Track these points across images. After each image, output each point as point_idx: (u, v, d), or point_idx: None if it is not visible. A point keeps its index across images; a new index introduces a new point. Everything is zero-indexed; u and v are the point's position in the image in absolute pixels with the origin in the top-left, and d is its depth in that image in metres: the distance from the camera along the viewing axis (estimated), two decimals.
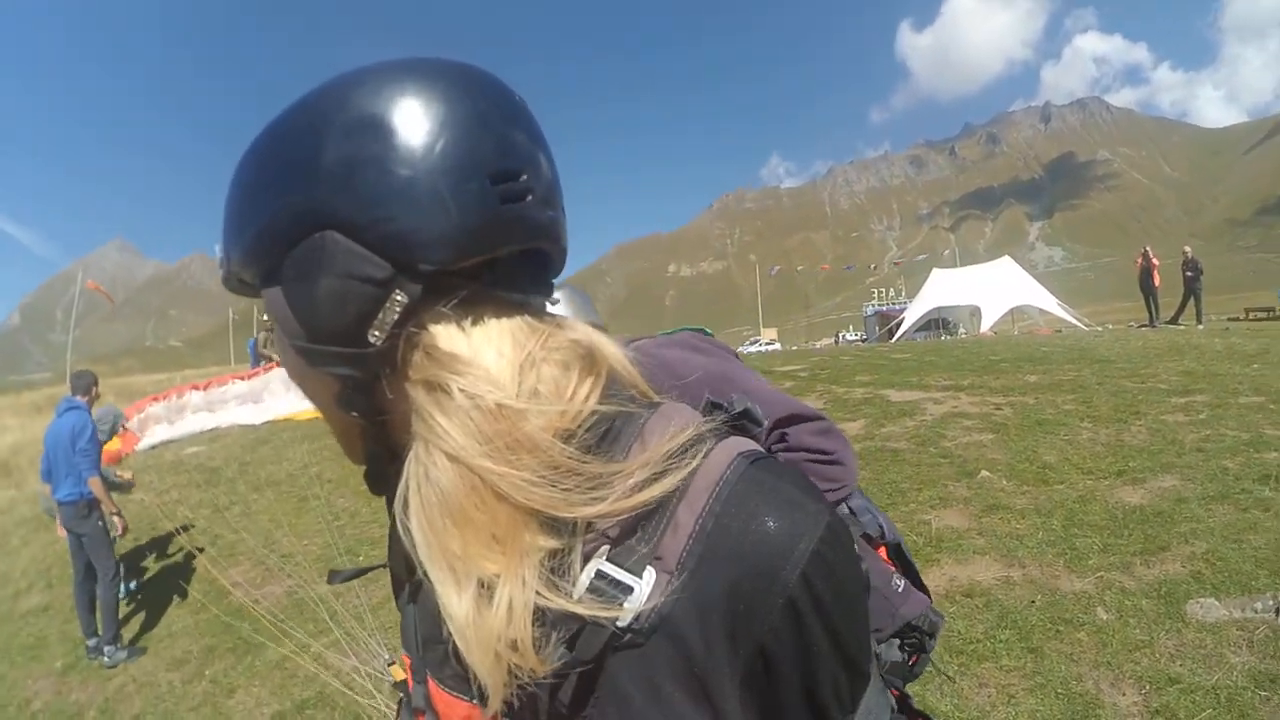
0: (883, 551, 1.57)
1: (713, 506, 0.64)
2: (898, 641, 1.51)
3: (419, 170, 0.67)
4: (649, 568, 0.63)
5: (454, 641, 0.69)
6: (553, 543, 0.64)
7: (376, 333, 0.68)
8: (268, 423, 14.88)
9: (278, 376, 16.51)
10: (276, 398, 16.13)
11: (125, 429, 13.89)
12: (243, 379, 16.64)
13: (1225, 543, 4.77)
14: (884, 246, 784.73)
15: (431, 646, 0.79)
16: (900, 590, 1.51)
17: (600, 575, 0.63)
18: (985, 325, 33.86)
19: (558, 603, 0.62)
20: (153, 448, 13.84)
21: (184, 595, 7.02)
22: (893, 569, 1.54)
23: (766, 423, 1.42)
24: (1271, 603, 4.05)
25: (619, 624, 0.62)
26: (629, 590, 0.62)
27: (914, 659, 1.54)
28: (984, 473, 6.61)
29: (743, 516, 0.63)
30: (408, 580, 0.82)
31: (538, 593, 0.62)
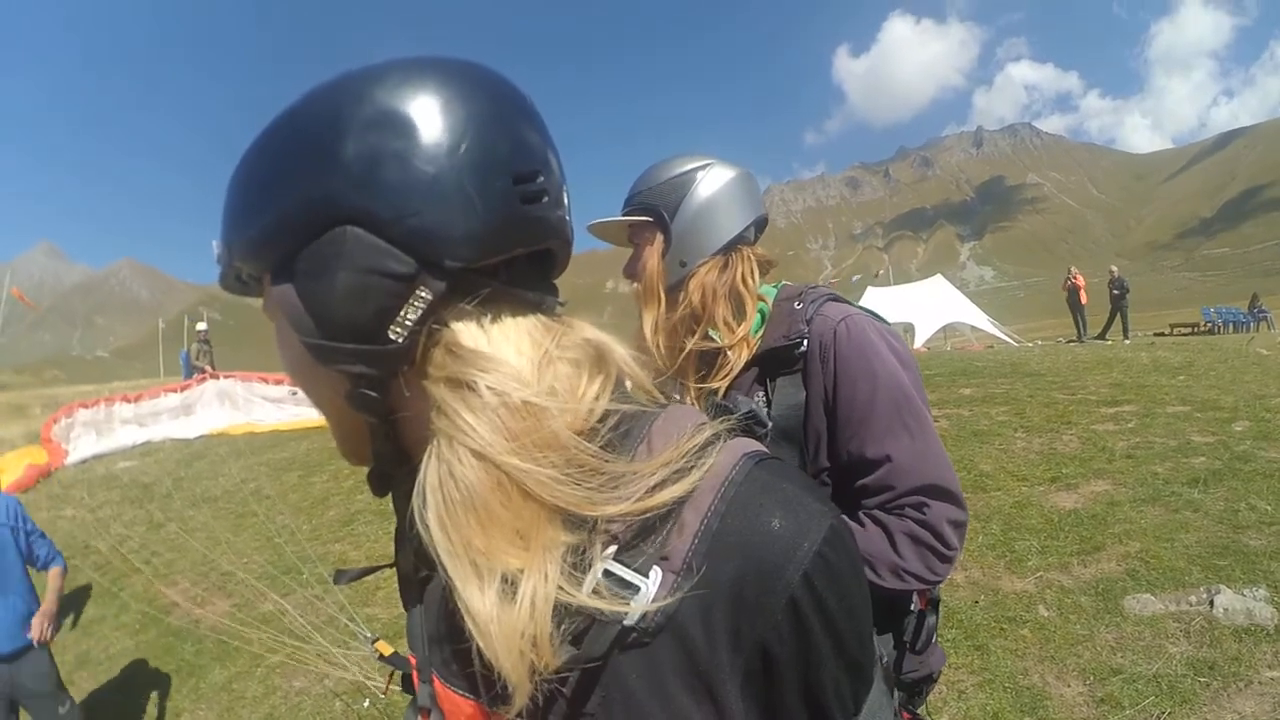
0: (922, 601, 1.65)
1: (718, 507, 0.65)
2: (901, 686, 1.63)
3: (445, 167, 0.68)
4: (655, 567, 0.64)
5: (460, 640, 0.70)
6: (573, 539, 0.65)
7: (398, 329, 0.68)
8: (202, 437, 14.50)
9: (211, 389, 16.08)
10: (210, 410, 15.69)
11: (52, 440, 13.43)
12: (175, 391, 16.03)
13: (1158, 542, 4.94)
14: (819, 265, 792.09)
15: (438, 645, 0.79)
16: (935, 642, 1.64)
17: (608, 575, 0.64)
18: (919, 342, 34.34)
19: (578, 598, 0.62)
20: (83, 462, 13.31)
21: (121, 615, 6.72)
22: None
23: (909, 484, 1.48)
24: (1206, 595, 4.21)
25: (626, 623, 0.62)
26: (636, 590, 0.63)
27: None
28: None
29: (747, 517, 0.64)
30: (416, 580, 0.82)
31: (559, 587, 0.63)
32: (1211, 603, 4.14)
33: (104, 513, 9.78)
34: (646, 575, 0.63)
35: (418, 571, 0.80)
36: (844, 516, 0.71)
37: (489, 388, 0.67)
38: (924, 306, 36.21)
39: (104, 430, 14.48)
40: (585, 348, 0.74)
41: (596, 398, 0.71)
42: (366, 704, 4.61)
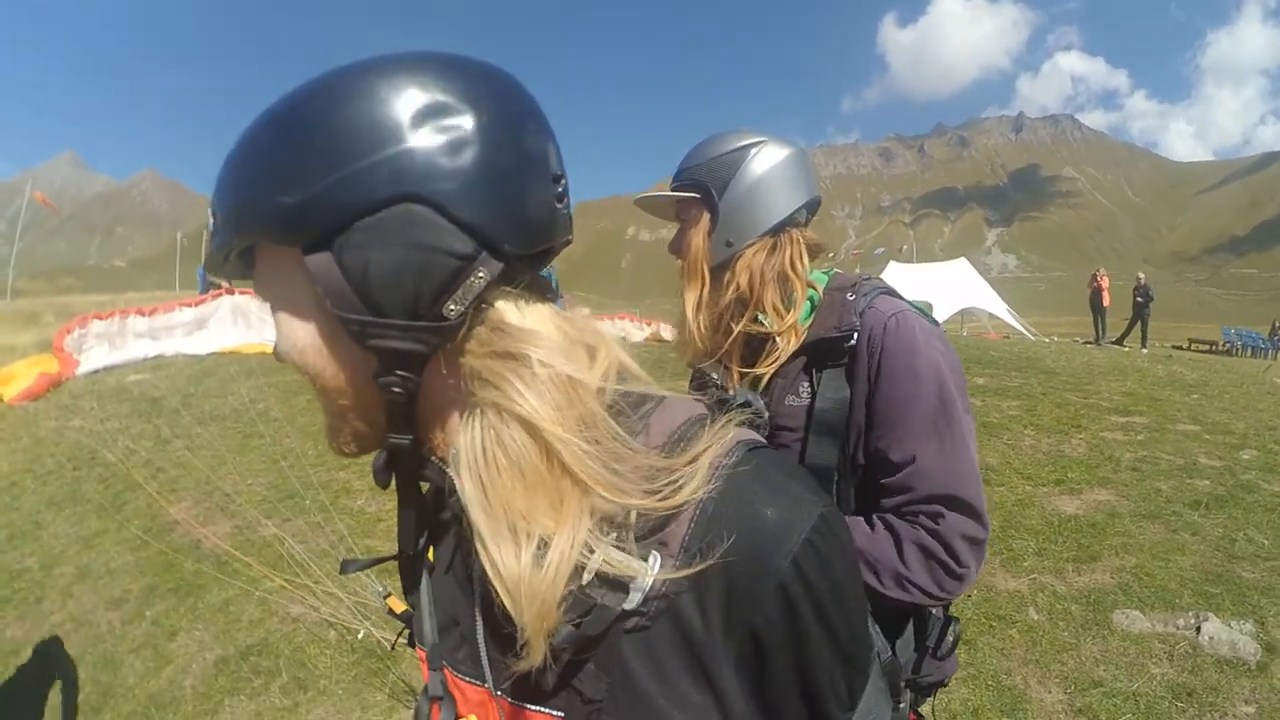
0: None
1: (712, 494, 0.67)
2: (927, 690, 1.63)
3: (508, 161, 0.71)
4: (654, 552, 0.66)
5: (469, 628, 0.78)
6: (597, 515, 0.68)
7: (453, 307, 0.69)
8: (213, 354, 14.44)
9: (226, 305, 16.03)
10: (224, 328, 15.71)
11: (64, 350, 13.42)
12: (190, 306, 16.00)
13: (1153, 560, 4.95)
14: (843, 233, 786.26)
15: (447, 633, 0.82)
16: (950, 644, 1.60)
17: (608, 560, 0.66)
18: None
19: (603, 565, 0.65)
20: (94, 373, 13.24)
21: (123, 530, 6.73)
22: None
23: (928, 490, 1.44)
24: (1194, 621, 4.22)
25: (625, 606, 0.65)
26: (634, 574, 0.65)
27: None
28: None
29: (740, 504, 0.67)
30: (423, 570, 0.85)
31: (582, 553, 0.65)
32: (1198, 629, 4.15)
33: (112, 425, 9.76)
34: (645, 560, 0.66)
35: (426, 560, 0.84)
36: (839, 510, 0.72)
37: (540, 361, 0.70)
38: (944, 288, 36.01)
39: (116, 343, 14.40)
40: (591, 336, 0.77)
41: (605, 380, 0.74)
42: (360, 635, 4.68)
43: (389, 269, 0.67)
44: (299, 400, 10.08)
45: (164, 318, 15.35)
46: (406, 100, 0.68)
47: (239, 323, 15.89)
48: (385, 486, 0.78)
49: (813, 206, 1.77)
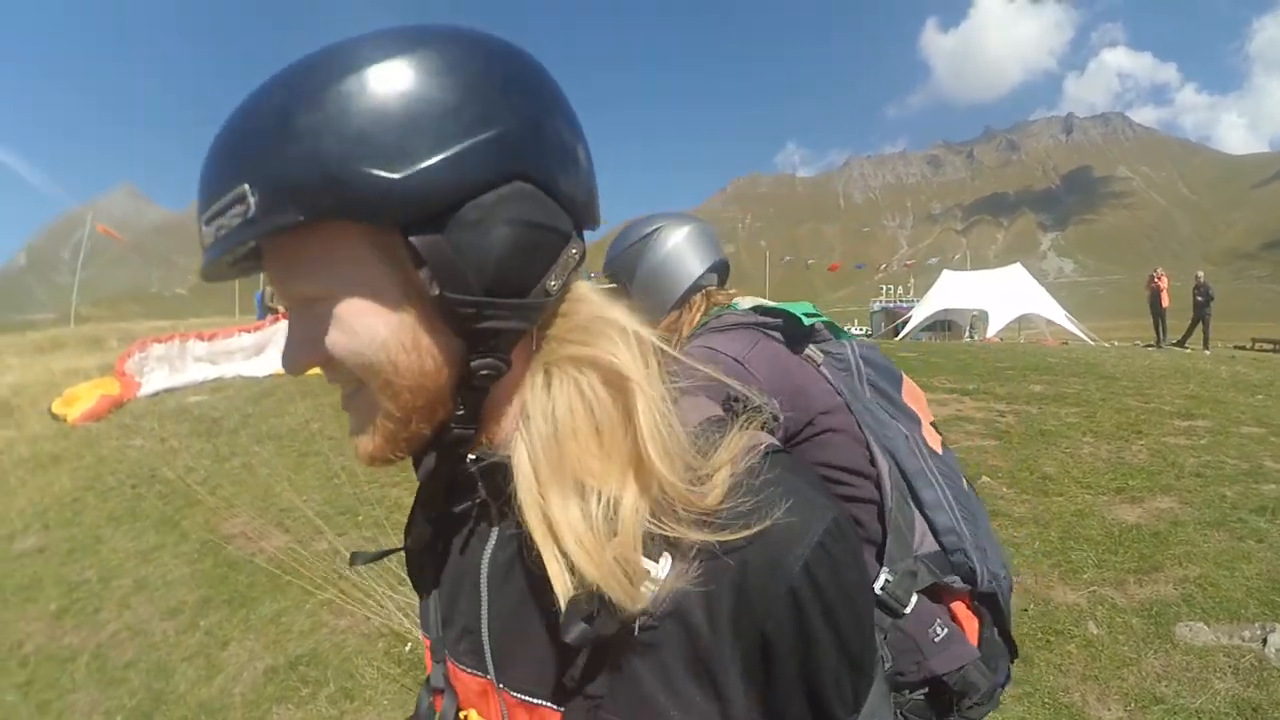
0: (963, 601, 1.49)
1: (726, 496, 0.66)
2: (925, 690, 1.42)
3: (581, 142, 0.72)
4: (665, 553, 0.66)
5: (473, 620, 0.77)
6: (651, 493, 0.66)
7: (554, 283, 0.68)
8: (271, 375, 14.57)
9: (283, 329, 16.37)
10: (281, 350, 16.05)
11: (125, 373, 13.80)
12: (248, 331, 16.20)
13: (1218, 569, 4.81)
14: (895, 244, 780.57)
15: (451, 625, 0.81)
16: (938, 639, 1.41)
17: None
18: (991, 331, 33.81)
19: (672, 530, 0.65)
20: (155, 394, 13.57)
21: (181, 544, 6.89)
22: (941, 616, 1.43)
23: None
24: (1260, 632, 4.08)
25: (636, 607, 0.64)
26: (645, 574, 0.65)
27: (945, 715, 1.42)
28: (984, 478, 6.65)
29: (753, 508, 0.65)
30: (430, 562, 0.84)
31: (650, 518, 0.65)
32: (1265, 640, 4.02)
33: (172, 444, 10.01)
34: (657, 561, 0.65)
35: (433, 553, 0.82)
36: (849, 517, 0.70)
37: (627, 321, 0.72)
38: (1000, 295, 35.69)
39: (177, 366, 14.65)
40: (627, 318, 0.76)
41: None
42: (409, 648, 4.72)
43: (506, 248, 0.65)
44: None
45: (223, 343, 15.60)
46: (500, 74, 0.67)
47: None
48: (426, 478, 0.75)
49: (718, 268, 1.92)
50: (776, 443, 0.74)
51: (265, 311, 19.01)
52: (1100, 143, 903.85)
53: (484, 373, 0.69)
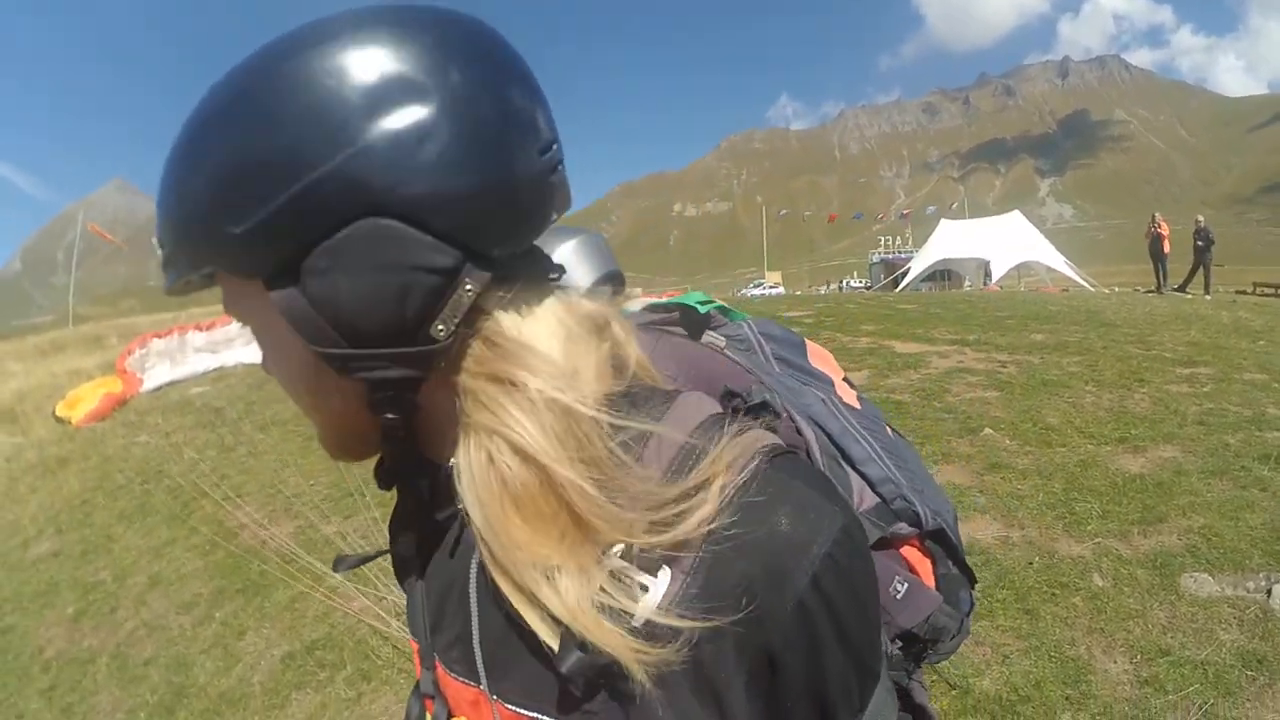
0: (913, 545, 1.41)
1: (727, 506, 0.62)
2: (899, 644, 1.33)
3: (484, 144, 0.61)
4: (664, 567, 0.62)
5: (464, 627, 0.74)
6: (607, 541, 0.62)
7: (441, 327, 0.62)
8: None
9: None
10: None
11: (126, 370, 13.85)
12: None
13: (1222, 519, 4.81)
14: (892, 194, 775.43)
15: (440, 632, 0.79)
16: (900, 596, 1.33)
17: (614, 575, 0.62)
18: (994, 279, 33.76)
19: (621, 601, 0.61)
20: (157, 389, 13.75)
21: (192, 537, 6.97)
22: (900, 572, 1.33)
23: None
24: (1264, 583, 4.10)
25: (634, 623, 0.61)
26: (644, 590, 0.62)
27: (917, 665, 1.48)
28: (987, 430, 6.66)
29: (756, 517, 0.62)
30: (416, 565, 0.81)
31: (600, 589, 0.61)
32: (1269, 592, 4.02)
33: (177, 438, 10.08)
34: (655, 575, 0.62)
35: (418, 556, 0.80)
36: (858, 516, 0.70)
37: (538, 390, 0.63)
38: (999, 243, 35.60)
39: (177, 359, 14.81)
40: (593, 321, 0.73)
41: (614, 377, 0.70)
42: None
43: (362, 296, 0.60)
44: None
45: (221, 330, 15.66)
46: (352, 84, 0.58)
47: None
48: (387, 488, 0.75)
49: (611, 279, 1.89)
50: (780, 443, 0.69)
51: None
52: (1096, 86, 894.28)
53: (388, 415, 0.66)
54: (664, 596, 0.61)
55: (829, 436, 1.50)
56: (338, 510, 6.67)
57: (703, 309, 1.63)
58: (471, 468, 0.65)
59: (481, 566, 0.69)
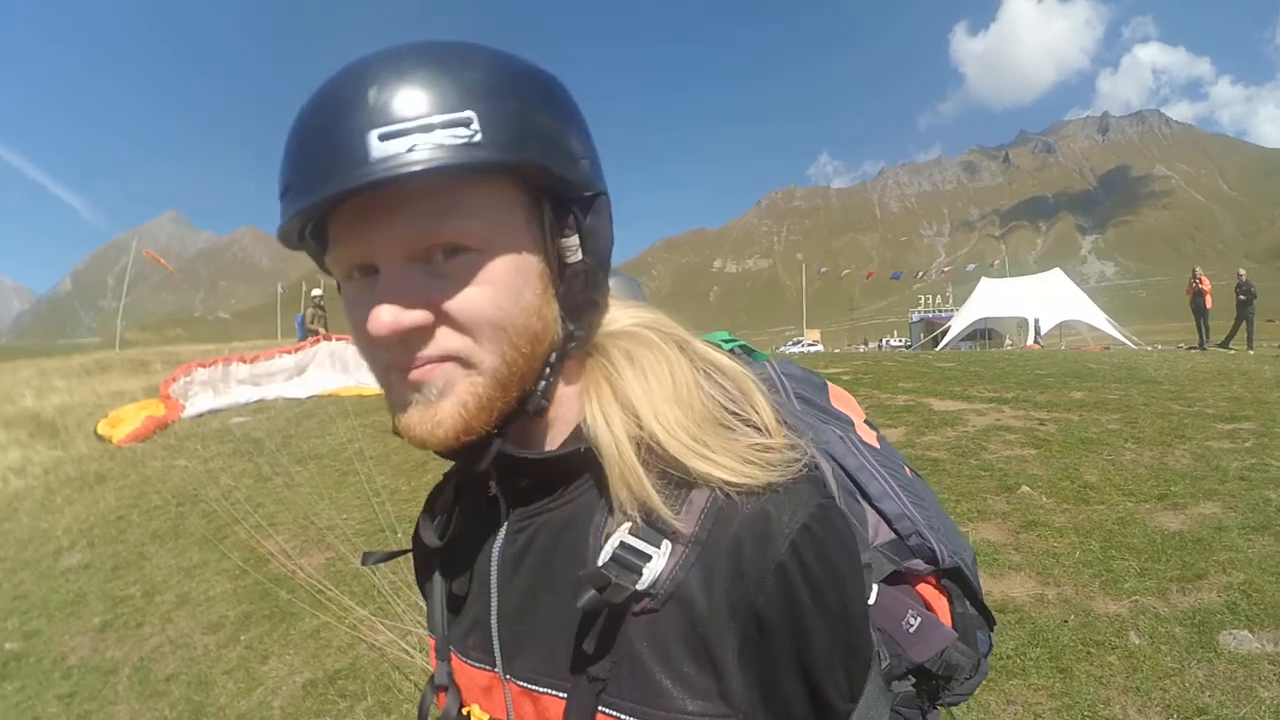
0: (929, 582, 1.45)
1: (723, 487, 0.71)
2: (912, 679, 1.36)
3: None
4: (665, 540, 0.70)
5: (483, 611, 0.82)
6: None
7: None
8: (313, 397, 14.94)
9: (324, 350, 16.63)
10: (322, 371, 16.26)
11: (170, 397, 14.08)
12: (289, 353, 16.62)
13: (1263, 575, 4.70)
14: (932, 252, 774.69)
15: (459, 621, 0.86)
16: (913, 630, 1.35)
17: (623, 546, 0.70)
18: (1032, 338, 33.44)
19: (618, 550, 0.71)
20: (198, 416, 13.94)
21: (223, 561, 7.04)
22: (913, 607, 1.37)
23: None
24: None
25: (639, 586, 0.68)
26: (647, 559, 0.69)
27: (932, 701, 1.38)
28: (1024, 488, 6.56)
29: (748, 495, 0.70)
30: (435, 560, 0.89)
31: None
32: None
33: (215, 464, 10.22)
34: (657, 547, 0.70)
35: (439, 551, 0.86)
36: (841, 509, 0.76)
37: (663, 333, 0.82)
38: (1040, 301, 35.25)
39: (220, 389, 15.01)
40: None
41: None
42: None
43: (610, 238, 0.78)
44: (393, 440, 10.29)
45: (265, 364, 15.94)
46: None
47: (336, 367, 16.31)
48: (474, 466, 0.76)
49: None
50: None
51: (306, 333, 19.54)
52: (1137, 141, 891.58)
53: (572, 344, 0.76)
54: (665, 564, 0.70)
55: (846, 472, 1.51)
56: (369, 545, 6.69)
57: (727, 346, 1.64)
58: (652, 373, 0.77)
59: (503, 550, 0.80)
